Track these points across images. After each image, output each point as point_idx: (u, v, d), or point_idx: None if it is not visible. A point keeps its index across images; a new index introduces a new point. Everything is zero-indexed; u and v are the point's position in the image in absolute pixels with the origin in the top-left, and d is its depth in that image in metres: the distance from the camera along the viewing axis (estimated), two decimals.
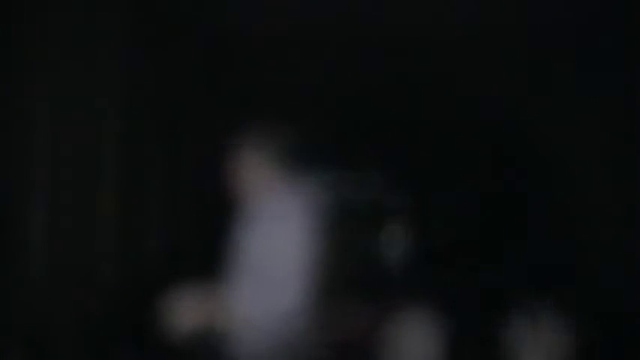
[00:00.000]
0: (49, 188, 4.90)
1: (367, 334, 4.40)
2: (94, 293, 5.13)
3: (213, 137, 6.46)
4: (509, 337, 5.22)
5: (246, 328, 2.79)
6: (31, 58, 4.56)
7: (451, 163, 14.83)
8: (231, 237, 2.94)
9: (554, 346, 5.09)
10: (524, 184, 10.24)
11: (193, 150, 6.81)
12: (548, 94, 8.12)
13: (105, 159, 5.44)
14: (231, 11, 6.23)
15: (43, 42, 4.66)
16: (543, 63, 7.54)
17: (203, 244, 6.36)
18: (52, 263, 4.89)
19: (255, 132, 2.94)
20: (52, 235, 4.91)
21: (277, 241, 2.73)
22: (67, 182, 5.03)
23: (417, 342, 4.26)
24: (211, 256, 3.46)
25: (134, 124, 5.81)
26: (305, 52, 7.56)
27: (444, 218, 13.87)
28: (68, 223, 5.05)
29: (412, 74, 8.89)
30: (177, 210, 6.58)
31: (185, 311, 2.76)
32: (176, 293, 2.92)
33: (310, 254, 2.73)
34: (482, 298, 6.72)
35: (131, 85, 5.67)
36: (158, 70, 6.19)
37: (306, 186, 2.95)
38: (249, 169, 2.91)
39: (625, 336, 5.24)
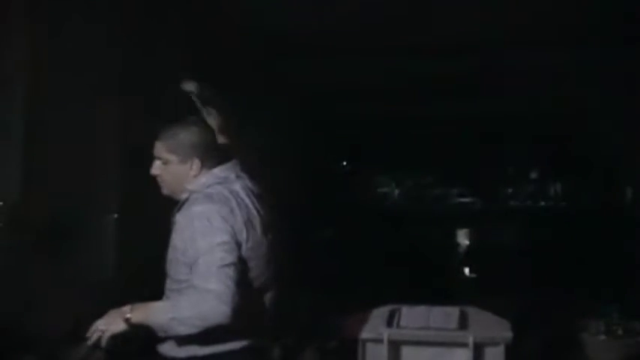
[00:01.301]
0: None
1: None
2: None
3: None
4: (584, 341, 5.17)
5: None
6: None
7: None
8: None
9: (628, 349, 5.02)
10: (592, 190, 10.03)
11: None
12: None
13: None
14: None
15: None
16: None
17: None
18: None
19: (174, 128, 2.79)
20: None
21: (202, 242, 2.55)
22: None
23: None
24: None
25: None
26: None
27: (512, 220, 13.63)
28: None
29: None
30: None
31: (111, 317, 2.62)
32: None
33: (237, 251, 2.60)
34: (554, 301, 6.58)
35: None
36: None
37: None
38: (170, 166, 2.76)
39: None
